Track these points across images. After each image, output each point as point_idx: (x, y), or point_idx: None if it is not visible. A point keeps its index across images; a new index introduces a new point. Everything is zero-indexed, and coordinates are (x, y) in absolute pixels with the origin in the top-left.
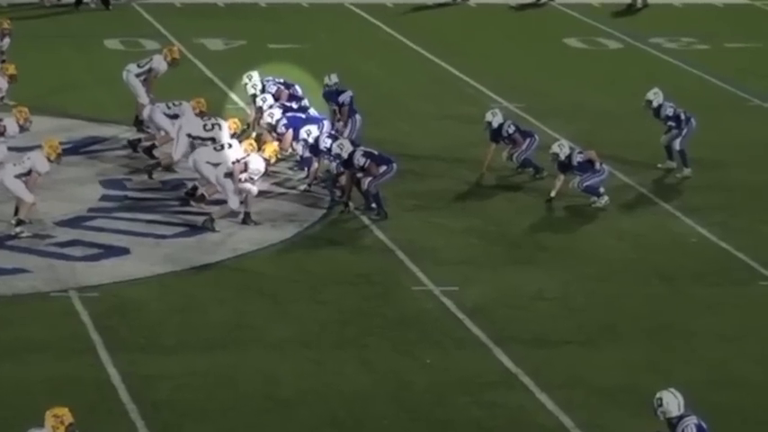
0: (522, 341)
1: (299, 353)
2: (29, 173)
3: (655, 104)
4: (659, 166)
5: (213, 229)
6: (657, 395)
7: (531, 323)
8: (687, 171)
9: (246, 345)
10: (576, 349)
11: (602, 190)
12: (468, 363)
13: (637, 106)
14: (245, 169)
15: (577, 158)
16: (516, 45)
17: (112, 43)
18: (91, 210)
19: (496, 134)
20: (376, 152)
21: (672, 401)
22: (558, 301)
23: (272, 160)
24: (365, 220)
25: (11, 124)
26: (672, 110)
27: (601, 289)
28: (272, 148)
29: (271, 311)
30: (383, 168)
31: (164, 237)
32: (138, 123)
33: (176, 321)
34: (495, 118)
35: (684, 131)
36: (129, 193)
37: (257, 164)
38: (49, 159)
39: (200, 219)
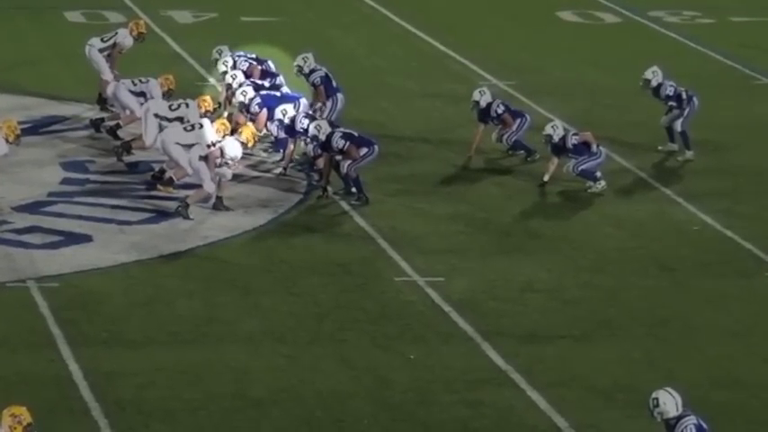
0: (513, 336)
1: (273, 348)
2: None
3: (654, 84)
4: (660, 148)
5: (187, 216)
6: (653, 395)
7: (521, 317)
8: (689, 154)
9: (216, 339)
10: (569, 345)
11: (598, 174)
12: (455, 359)
13: (635, 84)
14: (221, 155)
15: (572, 140)
16: (506, 18)
17: (74, 15)
18: (51, 194)
19: (485, 114)
20: (356, 134)
21: (669, 401)
22: (551, 293)
23: (250, 144)
24: (344, 205)
25: None
26: (672, 89)
27: (596, 280)
28: (249, 131)
29: (242, 304)
30: (364, 151)
31: (129, 223)
32: (102, 102)
33: (142, 314)
34: (483, 97)
35: (686, 112)
36: (92, 177)
37: (234, 150)
38: (7, 141)
39: (169, 203)
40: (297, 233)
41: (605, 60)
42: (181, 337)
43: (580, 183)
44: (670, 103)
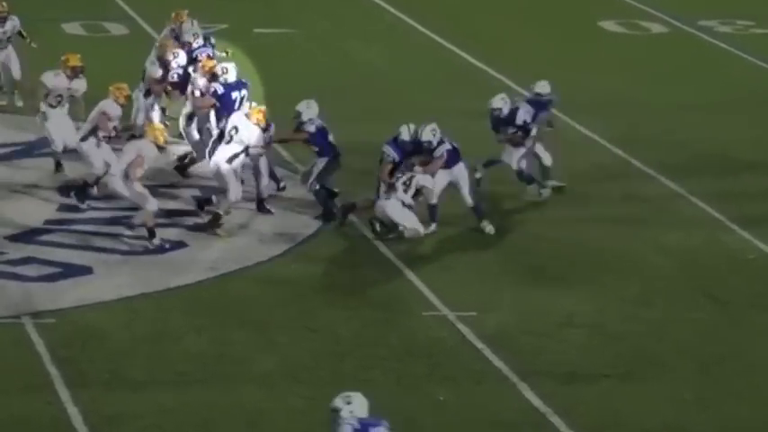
0: (551, 375)
1: (289, 389)
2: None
3: (506, 112)
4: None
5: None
6: None
7: (560, 353)
8: (541, 189)
9: (228, 379)
10: (613, 384)
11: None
12: (488, 400)
13: (682, 100)
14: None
15: (524, 117)
16: (544, 28)
17: (72, 27)
18: (47, 222)
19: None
20: None
21: None
22: (593, 328)
23: (262, 125)
24: (368, 233)
25: (110, 105)
26: (529, 114)
27: (642, 314)
28: (257, 111)
29: (256, 341)
30: None
31: (132, 253)
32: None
33: (146, 352)
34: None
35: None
36: (92, 203)
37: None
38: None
39: (173, 231)
40: (316, 263)
41: (650, 74)
42: (189, 376)
43: (624, 206)
44: (515, 131)
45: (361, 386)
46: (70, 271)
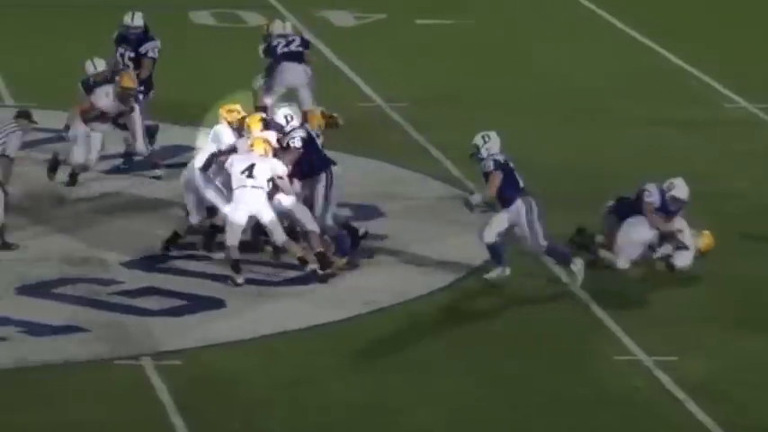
0: (765, 430)
1: None
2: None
3: None
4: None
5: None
6: None
7: None
8: None
9: None
10: None
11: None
12: None
13: None
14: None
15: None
16: (762, 23)
17: (201, 16)
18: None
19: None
20: None
21: None
22: None
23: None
24: (550, 263)
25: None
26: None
27: None
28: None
29: (415, 387)
30: None
31: (269, 284)
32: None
33: (285, 400)
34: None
35: None
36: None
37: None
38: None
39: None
40: (487, 298)
41: None
42: (335, 429)
43: None
44: None
45: None
46: (198, 304)
